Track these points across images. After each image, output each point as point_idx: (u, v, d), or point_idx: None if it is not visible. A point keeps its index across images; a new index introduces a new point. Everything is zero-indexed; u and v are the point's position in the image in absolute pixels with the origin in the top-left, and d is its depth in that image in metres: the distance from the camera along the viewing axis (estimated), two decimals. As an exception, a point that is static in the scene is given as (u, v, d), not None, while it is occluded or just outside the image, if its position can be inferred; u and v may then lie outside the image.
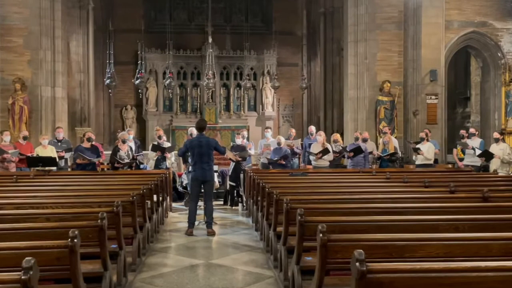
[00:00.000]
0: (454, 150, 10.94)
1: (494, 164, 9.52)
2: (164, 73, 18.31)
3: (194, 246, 6.55)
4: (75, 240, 3.06)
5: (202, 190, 7.53)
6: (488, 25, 12.95)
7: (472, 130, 10.63)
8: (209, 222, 7.33)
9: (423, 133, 10.38)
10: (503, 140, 10.12)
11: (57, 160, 9.31)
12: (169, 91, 17.94)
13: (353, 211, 4.53)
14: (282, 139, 10.36)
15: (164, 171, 9.39)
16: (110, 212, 4.41)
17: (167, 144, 10.47)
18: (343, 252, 3.12)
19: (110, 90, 16.77)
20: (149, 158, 10.47)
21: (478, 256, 3.12)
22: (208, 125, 17.75)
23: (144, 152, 11.62)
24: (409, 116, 12.79)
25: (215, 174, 10.39)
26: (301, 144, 11.66)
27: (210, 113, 18.91)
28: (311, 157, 10.05)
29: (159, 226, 7.58)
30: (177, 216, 9.03)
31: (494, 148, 9.65)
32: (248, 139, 13.01)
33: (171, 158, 10.36)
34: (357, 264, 2.37)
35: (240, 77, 19.53)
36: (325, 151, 9.71)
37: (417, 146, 10.21)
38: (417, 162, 10.26)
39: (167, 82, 16.28)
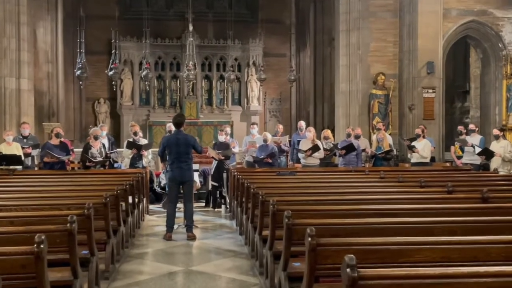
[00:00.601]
0: (452, 148, 11.06)
1: (494, 163, 9.65)
2: (141, 63, 18.20)
3: (173, 251, 6.54)
4: (42, 246, 3.02)
5: (181, 191, 7.51)
6: (488, 14, 13.10)
7: (471, 126, 10.75)
8: (189, 225, 7.32)
9: (419, 129, 10.47)
10: (504, 137, 10.26)
11: (23, 158, 9.19)
12: (146, 83, 17.82)
13: (344, 213, 4.55)
14: (269, 136, 10.38)
15: (140, 170, 9.36)
16: (80, 215, 4.37)
17: (143, 141, 10.42)
18: (334, 257, 3.13)
19: (81, 82, 16.60)
20: (124, 156, 10.42)
21: (476, 260, 3.15)
22: (188, 121, 17.97)
23: (118, 149, 11.54)
24: (404, 111, 12.90)
25: (196, 174, 10.39)
26: (289, 141, 11.69)
27: (191, 107, 18.84)
28: (300, 155, 10.08)
29: (135, 230, 7.55)
30: (155, 219, 9.00)
31: (494, 146, 9.78)
32: (232, 135, 13.03)
33: (148, 156, 10.31)
34: (348, 270, 2.38)
35: (223, 69, 19.50)
36: (315, 149, 9.75)
37: (412, 143, 10.30)
38: (412, 161, 10.35)
39: (144, 73, 16.18)
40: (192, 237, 7.17)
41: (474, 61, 15.55)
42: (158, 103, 19.31)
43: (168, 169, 7.59)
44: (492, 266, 2.85)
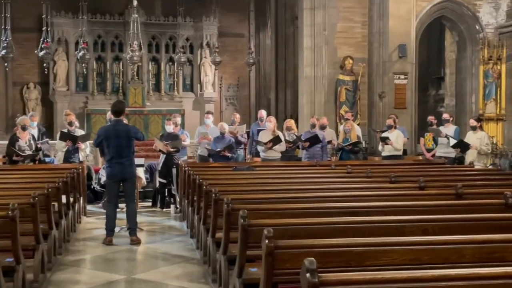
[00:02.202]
0: (421, 140, 11.31)
1: (470, 156, 9.92)
2: (77, 43, 17.76)
3: (114, 258, 6.48)
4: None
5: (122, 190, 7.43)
6: (465, -7, 13.45)
7: (445, 115, 11.01)
8: (133, 228, 7.27)
9: (391, 119, 10.67)
10: (481, 128, 10.54)
11: None
12: (83, 65, 17.42)
13: (306, 212, 4.60)
14: (226, 127, 10.35)
15: (76, 165, 9.21)
16: (3, 217, 4.29)
17: (80, 132, 10.24)
18: (293, 261, 3.15)
19: (6, 64, 16.08)
20: (57, 149, 10.22)
21: (449, 262, 3.24)
22: (133, 109, 17.75)
23: (51, 141, 11.29)
24: (374, 99, 13.12)
25: (141, 169, 10.29)
26: (247, 132, 11.70)
27: (136, 93, 18.56)
28: (259, 148, 10.11)
29: (70, 234, 7.45)
30: (93, 222, 8.90)
31: (470, 137, 10.05)
32: (183, 126, 12.92)
33: (85, 150, 10.15)
34: (308, 275, 2.40)
35: (173, 50, 19.28)
36: (276, 140, 9.79)
37: (384, 134, 10.49)
38: (383, 154, 10.55)
39: (81, 54, 15.83)
40: (136, 241, 7.11)
41: (449, 44, 15.95)
42: (98, 89, 18.92)
43: (106, 164, 7.46)
44: (465, 268, 2.94)
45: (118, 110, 7.41)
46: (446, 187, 6.05)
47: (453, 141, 9.99)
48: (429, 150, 11.01)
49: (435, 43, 17.29)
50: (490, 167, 9.95)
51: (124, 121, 7.75)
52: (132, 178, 7.48)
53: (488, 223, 4.05)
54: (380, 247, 3.24)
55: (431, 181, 6.60)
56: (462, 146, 9.92)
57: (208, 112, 11.80)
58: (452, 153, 10.24)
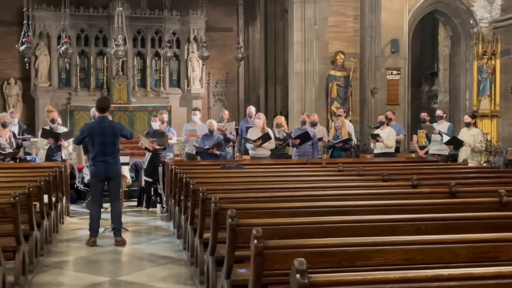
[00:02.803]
0: (414, 137, 11.37)
1: (463, 153, 9.99)
2: (59, 37, 17.61)
3: (98, 259, 6.47)
4: None
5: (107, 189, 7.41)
6: (459, -14, 13.51)
7: (438, 112, 11.08)
8: (118, 228, 7.25)
9: (383, 116, 10.71)
10: (475, 125, 10.61)
11: None
12: (66, 60, 17.27)
13: (297, 212, 4.60)
14: (215, 124, 10.33)
15: (58, 164, 9.16)
16: (-18, 218, 4.23)
17: (62, 129, 10.18)
18: (283, 261, 3.15)
19: (-14, 59, 15.96)
20: (39, 147, 10.16)
21: (442, 262, 3.26)
22: (118, 105, 17.67)
23: (32, 139, 11.22)
24: (366, 95, 13.16)
25: (127, 168, 10.25)
26: (236, 129, 11.69)
27: (121, 89, 18.50)
28: (248, 145, 10.11)
29: (52, 235, 7.43)
30: (77, 222, 8.87)
31: (464, 134, 10.12)
32: (170, 123, 12.88)
33: (68, 148, 10.08)
34: (298, 276, 2.40)
35: (159, 45, 19.21)
36: (265, 138, 9.80)
37: (375, 131, 10.53)
38: (375, 151, 10.59)
39: (63, 49, 15.70)
40: (121, 242, 7.09)
41: (443, 39, 16.03)
42: (81, 85, 18.83)
43: (90, 163, 7.43)
44: (458, 267, 2.95)
45: (103, 106, 7.38)
46: (439, 185, 6.10)
47: (446, 138, 10.04)
48: (422, 148, 11.08)
49: (429, 37, 17.37)
50: (484, 164, 10.02)
51: (109, 118, 7.73)
52: (117, 177, 7.45)
53: (482, 222, 4.07)
54: (372, 247, 3.25)
55: (424, 179, 6.63)
56: (456, 143, 9.98)
57: (195, 109, 11.77)
58: (446, 151, 10.31)
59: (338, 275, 2.51)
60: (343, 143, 10.49)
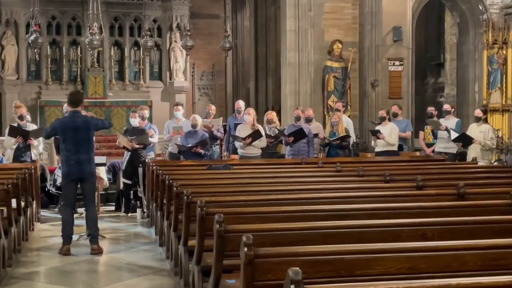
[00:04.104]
0: (421, 133, 11.38)
1: (473, 151, 10.03)
2: (28, 25, 17.54)
3: (72, 269, 6.45)
4: None
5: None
6: (466, -32, 13.57)
7: (446, 106, 11.11)
8: (94, 235, 7.22)
9: (383, 111, 10.73)
10: (486, 120, 10.64)
11: None
12: (36, 51, 17.20)
13: (291, 216, 4.61)
14: (199, 120, 10.32)
15: (28, 165, 9.13)
16: None
17: (32, 127, 10.12)
18: (276, 271, 3.16)
19: None
20: (6, 147, 10.11)
21: (449, 271, 3.27)
22: (93, 100, 17.61)
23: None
24: (366, 88, 13.19)
25: (103, 169, 10.22)
26: (224, 126, 11.68)
27: (96, 83, 18.45)
28: (237, 144, 10.10)
29: (22, 243, 7.39)
30: (48, 229, 8.84)
31: (473, 130, 10.15)
32: (150, 120, 12.84)
33: (39, 147, 10.04)
34: (292, 286, 2.41)
35: (138, 33, 19.17)
36: (255, 135, 9.80)
37: (376, 127, 10.55)
38: (377, 149, 10.62)
39: (32, 38, 15.61)
40: (97, 251, 7.07)
41: (450, 26, 16.09)
42: (52, 78, 18.75)
43: (62, 162, 7.41)
44: (467, 277, 2.96)
45: (75, 100, 7.37)
46: (446, 186, 6.12)
47: (454, 135, 10.05)
48: (429, 145, 11.05)
49: (434, 25, 17.44)
50: (495, 163, 10.07)
51: (83, 113, 7.71)
52: (92, 178, 7.42)
53: (493, 227, 4.10)
54: (373, 255, 3.26)
55: (430, 180, 6.66)
56: (464, 140, 10.00)
57: (177, 104, 11.73)
58: (453, 148, 10.33)
59: (336, 286, 2.52)
60: (340, 140, 10.49)
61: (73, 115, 7.31)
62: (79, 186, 7.38)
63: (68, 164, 7.22)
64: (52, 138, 9.44)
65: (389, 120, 10.65)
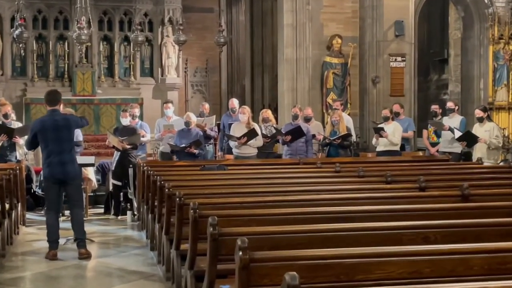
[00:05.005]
0: (425, 132, 11.37)
1: (478, 151, 10.02)
2: (13, 19, 17.51)
3: (59, 275, 6.44)
4: None
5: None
6: (471, -40, 13.58)
7: (449, 104, 11.10)
8: (81, 239, 7.21)
9: (387, 110, 10.71)
10: (489, 119, 10.63)
11: None
12: (21, 46, 17.17)
13: (288, 219, 4.60)
14: (193, 118, 10.32)
15: (13, 165, 9.13)
16: None
17: (17, 125, 10.12)
18: (272, 275, 3.15)
19: None
20: (-10, 147, 10.08)
21: (454, 275, 3.28)
22: (81, 98, 17.57)
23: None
24: (367, 85, 13.20)
25: (92, 170, 10.21)
26: (218, 125, 11.68)
27: (84, 79, 18.42)
28: (232, 143, 10.10)
29: (6, 248, 7.37)
30: (34, 232, 8.83)
31: (477, 131, 10.13)
32: (141, 118, 12.82)
33: (24, 146, 10.02)
34: (289, 292, 2.40)
35: (128, 27, 19.14)
36: (251, 134, 9.79)
37: (379, 125, 10.54)
38: (378, 148, 10.62)
39: (17, 32, 15.58)
40: (85, 255, 7.05)
41: (454, 21, 16.11)
42: (38, 74, 18.71)
43: (43, 164, 7.37)
44: (472, 281, 2.97)
45: (53, 99, 7.35)
46: (450, 187, 6.12)
47: (458, 134, 10.03)
48: (433, 145, 11.01)
49: (438, 19, 17.46)
50: (502, 164, 10.07)
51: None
52: (76, 180, 7.38)
53: (499, 229, 4.10)
54: (374, 259, 3.27)
55: (433, 181, 6.67)
56: (469, 139, 9.98)
57: (167, 102, 11.76)
58: (458, 148, 10.32)
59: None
60: (341, 139, 10.46)
61: (53, 114, 7.25)
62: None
63: (49, 165, 7.17)
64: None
65: (392, 119, 10.65)
